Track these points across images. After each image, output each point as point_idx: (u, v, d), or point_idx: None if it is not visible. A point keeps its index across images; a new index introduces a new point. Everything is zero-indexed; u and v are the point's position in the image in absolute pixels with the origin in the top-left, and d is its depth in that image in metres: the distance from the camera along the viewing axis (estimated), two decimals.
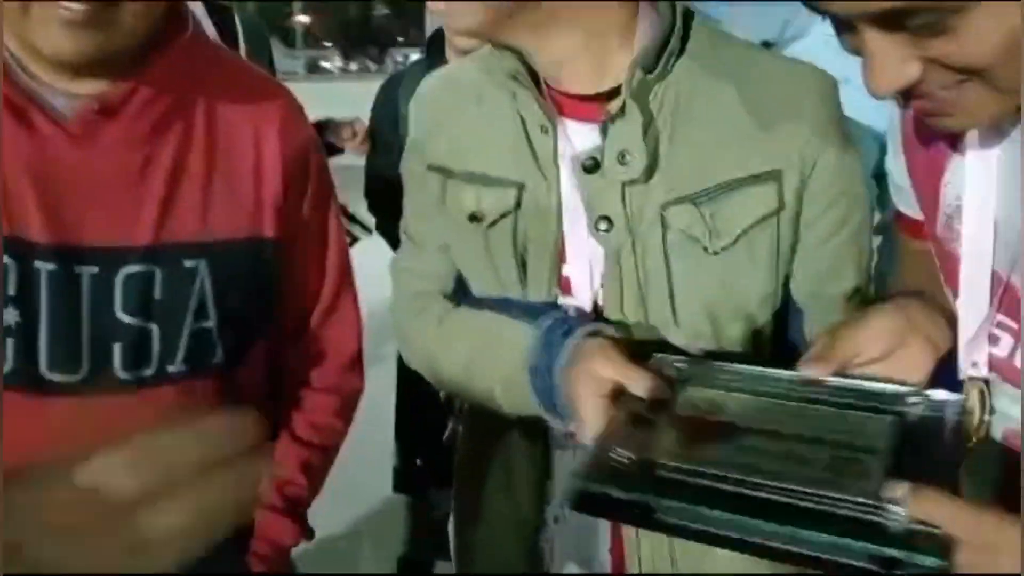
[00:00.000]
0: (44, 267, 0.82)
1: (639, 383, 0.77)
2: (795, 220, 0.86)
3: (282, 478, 1.03)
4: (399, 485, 2.32)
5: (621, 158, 0.83)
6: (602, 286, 0.88)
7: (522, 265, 0.91)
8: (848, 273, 0.89)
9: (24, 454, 0.79)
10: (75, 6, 0.74)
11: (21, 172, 0.81)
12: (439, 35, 1.95)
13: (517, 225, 0.90)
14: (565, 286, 0.90)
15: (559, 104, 0.87)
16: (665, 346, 0.87)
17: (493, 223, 0.91)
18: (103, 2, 0.75)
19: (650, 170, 0.84)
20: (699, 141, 0.83)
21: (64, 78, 0.82)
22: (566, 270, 0.90)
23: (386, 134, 2.00)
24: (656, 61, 0.82)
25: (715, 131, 0.83)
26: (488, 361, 0.92)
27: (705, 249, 0.83)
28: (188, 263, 0.88)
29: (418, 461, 2.02)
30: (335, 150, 2.10)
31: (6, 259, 0.80)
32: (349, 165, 2.09)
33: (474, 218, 0.92)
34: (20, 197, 0.81)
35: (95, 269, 0.84)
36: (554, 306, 0.91)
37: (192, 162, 0.88)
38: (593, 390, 0.77)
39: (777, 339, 0.92)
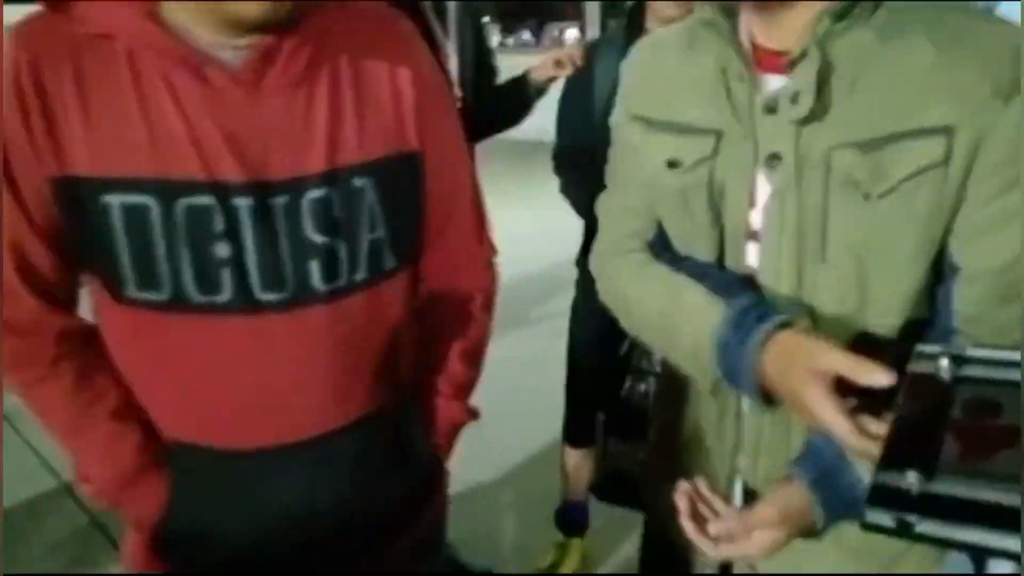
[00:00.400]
0: (243, 203, 0.93)
1: (870, 374, 0.78)
2: (963, 179, 0.85)
3: (448, 369, 1.19)
4: (571, 437, 2.32)
5: (794, 98, 0.88)
6: (764, 222, 0.94)
7: (715, 210, 0.98)
8: (1010, 243, 0.86)
9: (245, 367, 0.94)
10: None
11: (208, 121, 0.91)
12: (637, 7, 1.93)
13: (714, 172, 0.97)
14: (748, 231, 0.97)
15: (759, 59, 0.94)
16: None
17: (690, 168, 0.98)
18: None
19: (823, 112, 0.87)
20: (878, 91, 0.86)
21: (229, 36, 0.91)
22: (752, 214, 0.96)
23: (576, 98, 1.99)
24: (847, 12, 0.86)
25: (896, 83, 0.85)
26: (679, 321, 1.00)
27: (865, 195, 0.86)
28: (357, 182, 0.98)
29: (600, 415, 2.05)
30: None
31: (210, 200, 0.92)
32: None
33: (672, 164, 0.99)
34: (211, 143, 0.91)
35: (286, 198, 0.95)
36: (749, 286, 0.97)
37: (344, 97, 0.98)
38: (823, 387, 0.80)
39: (930, 300, 0.93)
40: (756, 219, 0.95)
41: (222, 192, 0.92)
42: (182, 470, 1.04)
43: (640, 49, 1.11)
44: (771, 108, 0.91)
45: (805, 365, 0.82)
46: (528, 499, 2.77)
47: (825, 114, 0.88)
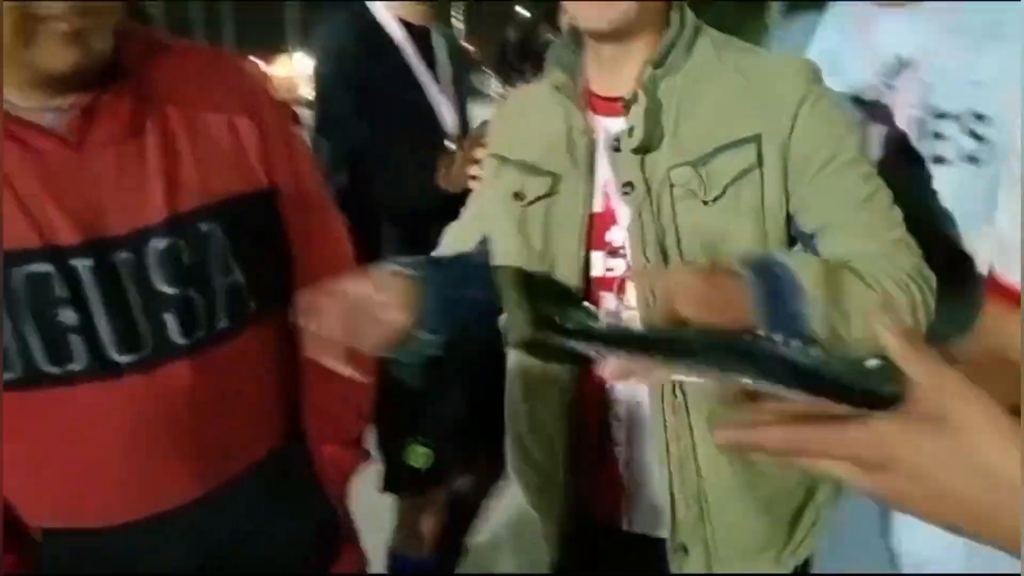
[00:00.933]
0: (82, 264, 0.90)
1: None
2: (781, 174, 1.05)
3: (333, 414, 1.16)
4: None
5: (630, 132, 1.07)
6: (627, 238, 1.09)
7: (547, 238, 1.14)
8: (847, 203, 1.05)
9: (110, 435, 0.90)
10: (72, 20, 0.83)
11: (36, 186, 0.89)
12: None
13: (551, 207, 1.13)
14: (611, 248, 1.11)
15: (599, 106, 1.13)
16: None
17: (531, 203, 1.15)
18: (88, 16, 0.84)
19: (659, 141, 1.07)
20: (699, 118, 1.06)
21: (47, 97, 0.90)
22: (612, 235, 1.11)
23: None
24: (664, 60, 1.08)
25: (711, 109, 1.06)
26: None
27: (703, 202, 1.05)
28: (203, 227, 0.97)
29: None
30: None
31: (48, 267, 0.89)
32: None
33: (517, 196, 1.16)
34: (41, 209, 0.89)
35: (128, 253, 0.92)
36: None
37: (178, 143, 0.97)
38: None
39: None
40: (618, 237, 1.10)
41: (59, 255, 0.89)
42: (53, 556, 0.99)
43: (508, 101, 1.32)
44: (616, 147, 1.10)
45: None
46: None
47: (661, 143, 1.07)
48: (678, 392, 1.09)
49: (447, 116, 1.91)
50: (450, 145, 1.83)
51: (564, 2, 1.08)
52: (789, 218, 1.07)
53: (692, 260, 1.05)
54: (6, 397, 0.90)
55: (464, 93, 2.01)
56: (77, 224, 0.90)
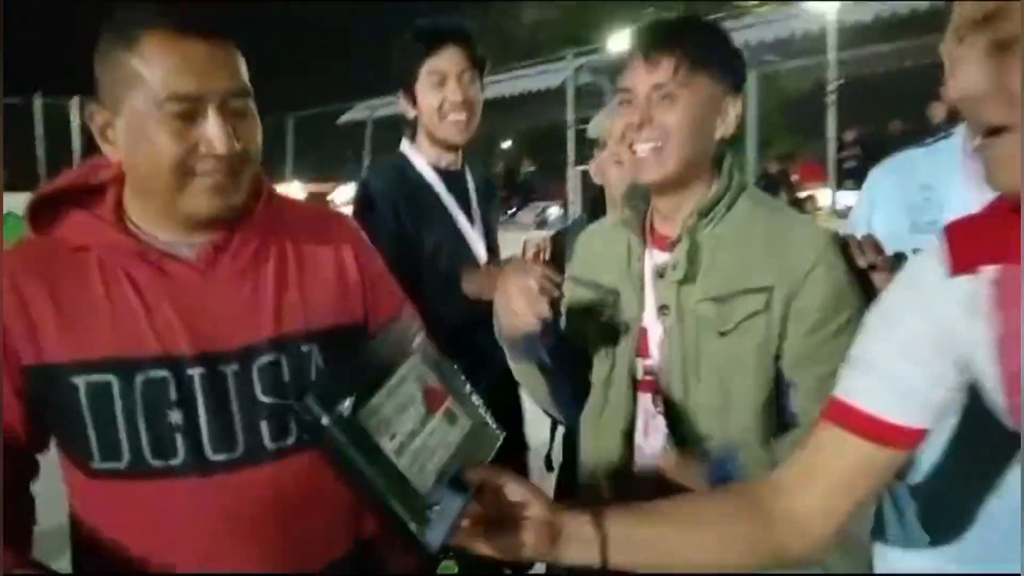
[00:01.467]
0: (196, 372, 1.05)
1: None
2: (782, 319, 1.25)
3: None
4: None
5: (673, 268, 1.31)
6: (660, 351, 1.32)
7: (612, 339, 1.38)
8: (817, 369, 1.23)
9: (195, 526, 1.00)
10: (219, 177, 1.03)
11: (165, 304, 1.06)
12: (600, 198, 2.13)
13: (614, 315, 1.39)
14: (646, 352, 1.35)
15: (656, 240, 1.38)
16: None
17: (600, 311, 1.40)
18: (232, 175, 1.05)
19: (693, 277, 1.30)
20: (728, 263, 1.29)
21: (186, 234, 1.08)
22: (651, 348, 1.35)
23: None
24: (709, 212, 1.31)
25: (738, 258, 1.29)
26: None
27: (719, 332, 1.27)
28: (304, 347, 1.12)
29: None
30: None
31: (165, 373, 1.04)
32: None
33: (588, 309, 1.41)
34: (167, 323, 1.05)
35: (236, 365, 1.08)
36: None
37: (289, 275, 1.14)
38: None
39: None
40: (654, 351, 1.34)
41: (176, 364, 1.04)
42: None
43: (582, 235, 1.58)
44: (660, 274, 1.34)
45: None
46: None
47: (695, 279, 1.30)
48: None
49: (476, 245, 2.10)
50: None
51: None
52: (777, 357, 1.27)
53: (706, 378, 1.29)
54: (111, 485, 1.04)
55: (491, 224, 2.20)
56: (195, 337, 1.05)
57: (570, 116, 14.00)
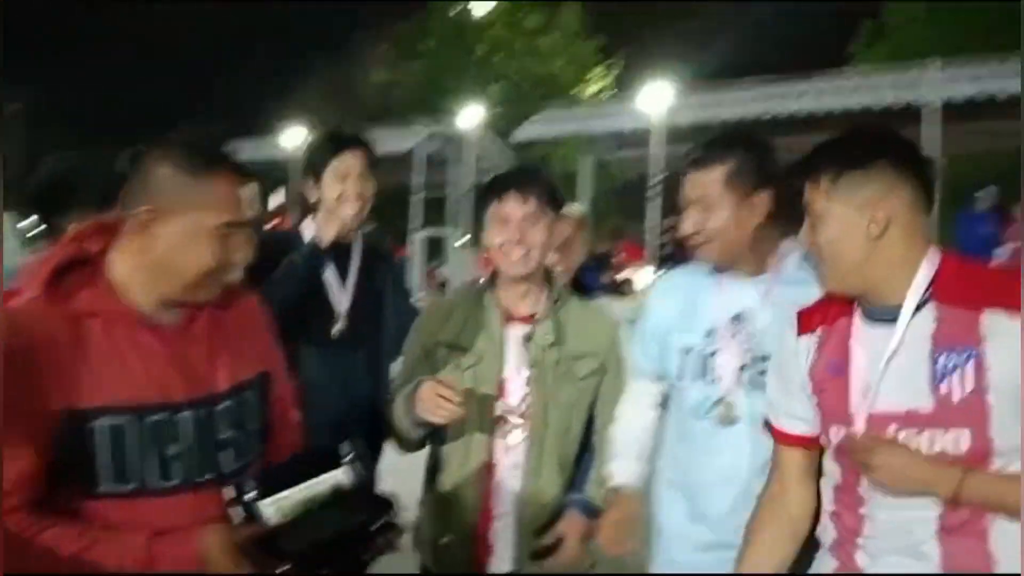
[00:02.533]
0: (185, 416, 1.42)
1: None
2: (601, 373, 2.03)
3: None
4: None
5: (544, 335, 2.02)
6: (527, 395, 1.98)
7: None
8: (614, 400, 2.08)
9: (179, 527, 1.48)
10: (223, 280, 1.45)
11: (161, 361, 1.41)
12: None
13: (476, 370, 2.01)
14: (503, 394, 1.99)
15: (509, 317, 2.04)
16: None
17: (463, 367, 2.02)
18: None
19: (552, 343, 2.00)
20: (573, 336, 2.03)
21: (168, 308, 1.44)
22: (508, 389, 2.00)
23: None
24: (560, 297, 2.07)
25: (581, 330, 2.04)
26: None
27: (571, 382, 2.00)
28: (246, 393, 1.52)
29: None
30: None
31: (165, 415, 1.40)
32: None
33: (447, 362, 2.03)
34: (164, 376, 1.41)
35: (206, 410, 1.45)
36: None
37: (231, 332, 1.52)
38: None
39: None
40: (516, 396, 1.99)
41: (172, 410, 1.41)
42: None
43: (440, 301, 2.31)
44: (528, 338, 2.00)
45: None
46: None
47: (554, 343, 2.00)
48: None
49: (341, 305, 2.53)
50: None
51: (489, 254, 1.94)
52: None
53: (555, 418, 1.99)
54: (113, 503, 1.36)
55: (375, 284, 2.62)
56: (185, 387, 1.42)
57: (415, 181, 14.56)
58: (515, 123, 14.48)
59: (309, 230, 2.53)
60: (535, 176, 2.08)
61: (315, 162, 2.48)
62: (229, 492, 1.36)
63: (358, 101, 25.83)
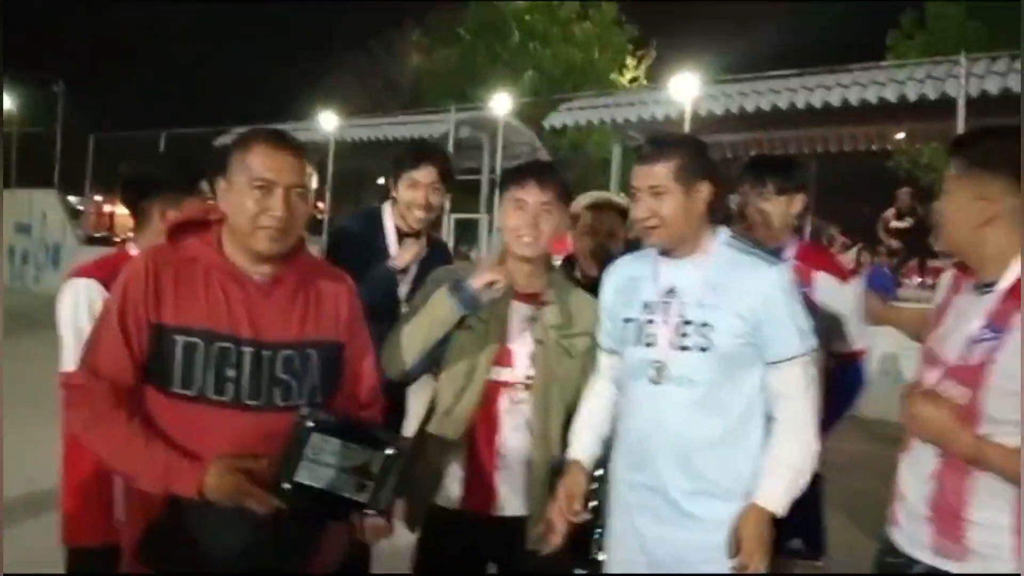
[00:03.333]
0: (248, 350, 1.72)
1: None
2: (591, 350, 2.34)
3: None
4: None
5: (550, 315, 2.32)
6: (533, 367, 2.28)
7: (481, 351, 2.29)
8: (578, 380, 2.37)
9: (231, 439, 1.74)
10: (273, 231, 1.72)
11: (239, 305, 1.73)
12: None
13: (485, 336, 2.29)
14: (509, 363, 2.29)
15: (521, 296, 2.32)
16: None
17: (473, 331, 2.30)
18: (283, 231, 1.73)
19: (565, 323, 2.32)
20: (573, 313, 2.35)
21: (256, 264, 1.76)
22: (514, 360, 2.30)
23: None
24: (558, 285, 2.40)
25: (577, 310, 2.35)
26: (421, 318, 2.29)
27: (570, 357, 2.31)
28: (309, 351, 1.80)
29: None
30: None
31: (231, 345, 1.70)
32: None
33: (462, 327, 2.28)
34: (237, 317, 1.73)
35: (270, 352, 1.74)
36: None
37: (310, 301, 1.82)
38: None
39: None
40: (521, 366, 2.28)
41: (237, 343, 1.70)
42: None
43: (453, 267, 2.58)
44: (535, 318, 2.28)
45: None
46: None
47: (560, 325, 2.30)
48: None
49: (402, 288, 2.88)
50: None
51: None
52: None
53: (563, 382, 2.29)
54: (181, 404, 1.68)
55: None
56: (252, 329, 1.71)
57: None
58: (548, 110, 14.63)
59: (388, 213, 2.93)
60: (553, 171, 2.37)
61: (395, 168, 2.87)
62: (303, 410, 1.66)
63: (393, 87, 26.12)
